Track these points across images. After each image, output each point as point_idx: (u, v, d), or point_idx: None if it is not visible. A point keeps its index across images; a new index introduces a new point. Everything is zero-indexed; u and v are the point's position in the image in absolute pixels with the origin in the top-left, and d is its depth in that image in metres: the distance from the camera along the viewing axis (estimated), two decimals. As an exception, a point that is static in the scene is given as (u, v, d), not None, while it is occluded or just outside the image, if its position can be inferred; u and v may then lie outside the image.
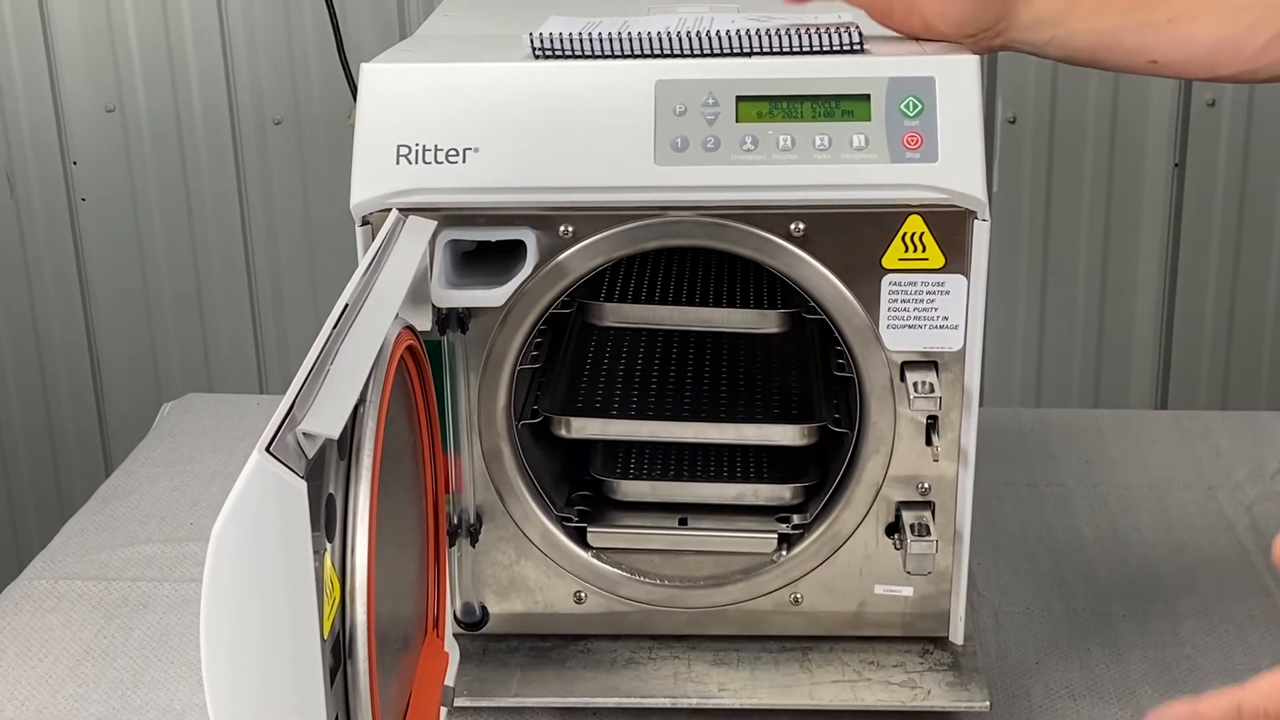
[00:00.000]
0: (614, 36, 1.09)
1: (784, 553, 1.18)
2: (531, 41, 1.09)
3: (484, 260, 1.12)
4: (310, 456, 0.76)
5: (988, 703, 1.14)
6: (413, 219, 1.06)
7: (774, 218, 1.08)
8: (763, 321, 1.21)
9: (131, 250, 2.28)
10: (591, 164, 1.07)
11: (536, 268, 1.09)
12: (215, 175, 2.23)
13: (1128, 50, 1.13)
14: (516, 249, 1.10)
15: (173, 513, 1.53)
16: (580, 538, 1.19)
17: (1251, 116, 2.12)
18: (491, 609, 1.20)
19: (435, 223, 1.07)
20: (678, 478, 1.25)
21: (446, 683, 1.10)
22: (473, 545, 1.18)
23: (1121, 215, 2.17)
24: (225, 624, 0.72)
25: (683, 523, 1.22)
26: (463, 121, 1.07)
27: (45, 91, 2.20)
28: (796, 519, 1.20)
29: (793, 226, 1.08)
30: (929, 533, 1.13)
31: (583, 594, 1.19)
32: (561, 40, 1.09)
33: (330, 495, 0.83)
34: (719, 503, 1.23)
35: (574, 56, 1.09)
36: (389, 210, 1.06)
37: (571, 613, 1.20)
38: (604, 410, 1.25)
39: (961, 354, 1.10)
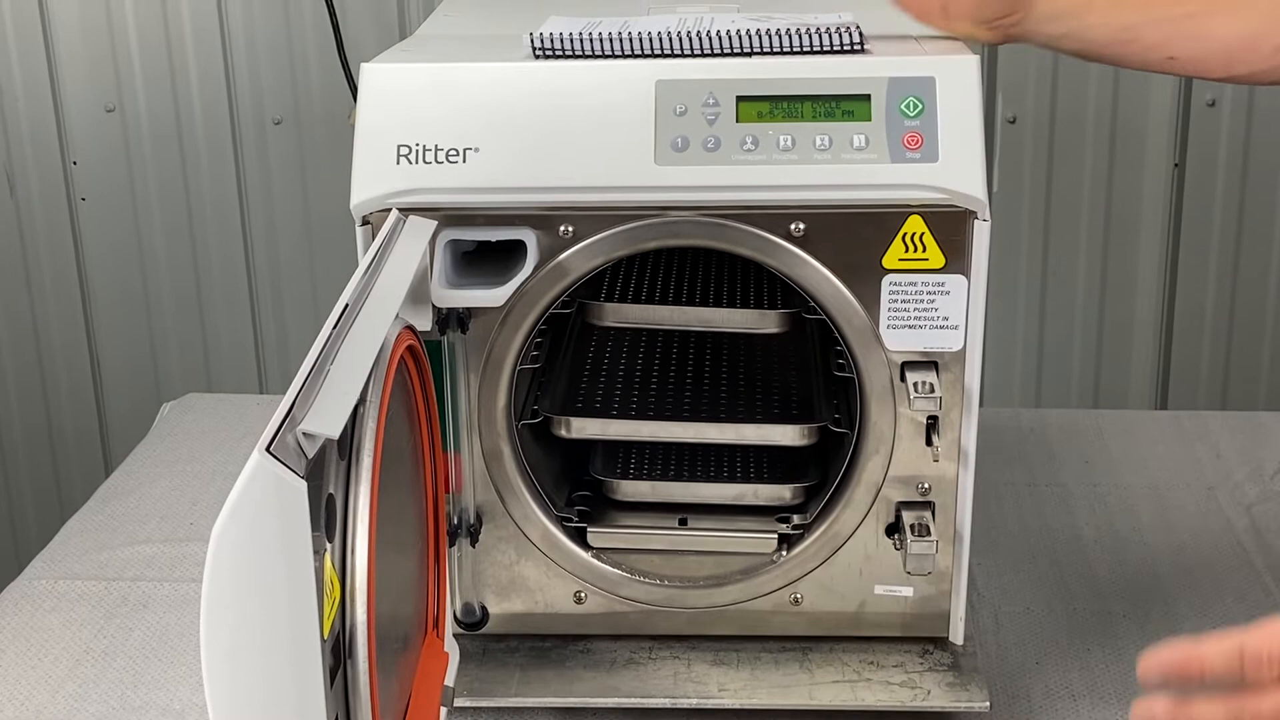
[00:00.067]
0: (614, 36, 1.09)
1: (784, 553, 1.18)
2: (531, 41, 1.09)
3: (484, 260, 1.12)
4: (310, 456, 0.76)
5: (988, 703, 1.14)
6: (413, 219, 1.06)
7: (774, 218, 1.08)
8: (763, 321, 1.21)
9: (131, 250, 2.27)
10: (591, 164, 1.07)
11: (536, 268, 1.09)
12: (215, 175, 2.23)
13: (1146, 45, 1.12)
14: (516, 249, 1.10)
15: (172, 513, 1.53)
16: (580, 538, 1.19)
17: (1251, 116, 2.11)
18: (491, 609, 1.20)
19: (435, 223, 1.07)
20: (678, 478, 1.25)
21: (446, 683, 1.10)
22: (473, 545, 1.18)
23: (1121, 215, 2.17)
24: (225, 624, 0.72)
25: (683, 523, 1.22)
26: (463, 121, 1.07)
27: (45, 91, 2.20)
28: (796, 519, 1.20)
29: (793, 226, 1.08)
30: (929, 533, 1.13)
31: (583, 594, 1.19)
32: (561, 40, 1.09)
33: (330, 495, 0.83)
34: (719, 503, 1.23)
35: (574, 56, 1.09)
36: (389, 210, 1.06)
37: (571, 613, 1.20)
38: (604, 410, 1.25)
39: (962, 354, 1.10)
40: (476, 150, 1.07)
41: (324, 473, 0.82)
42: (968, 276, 1.08)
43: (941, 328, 1.09)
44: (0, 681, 1.25)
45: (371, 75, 1.08)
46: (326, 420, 0.77)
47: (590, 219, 1.08)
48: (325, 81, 2.17)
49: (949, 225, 1.07)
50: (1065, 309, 2.23)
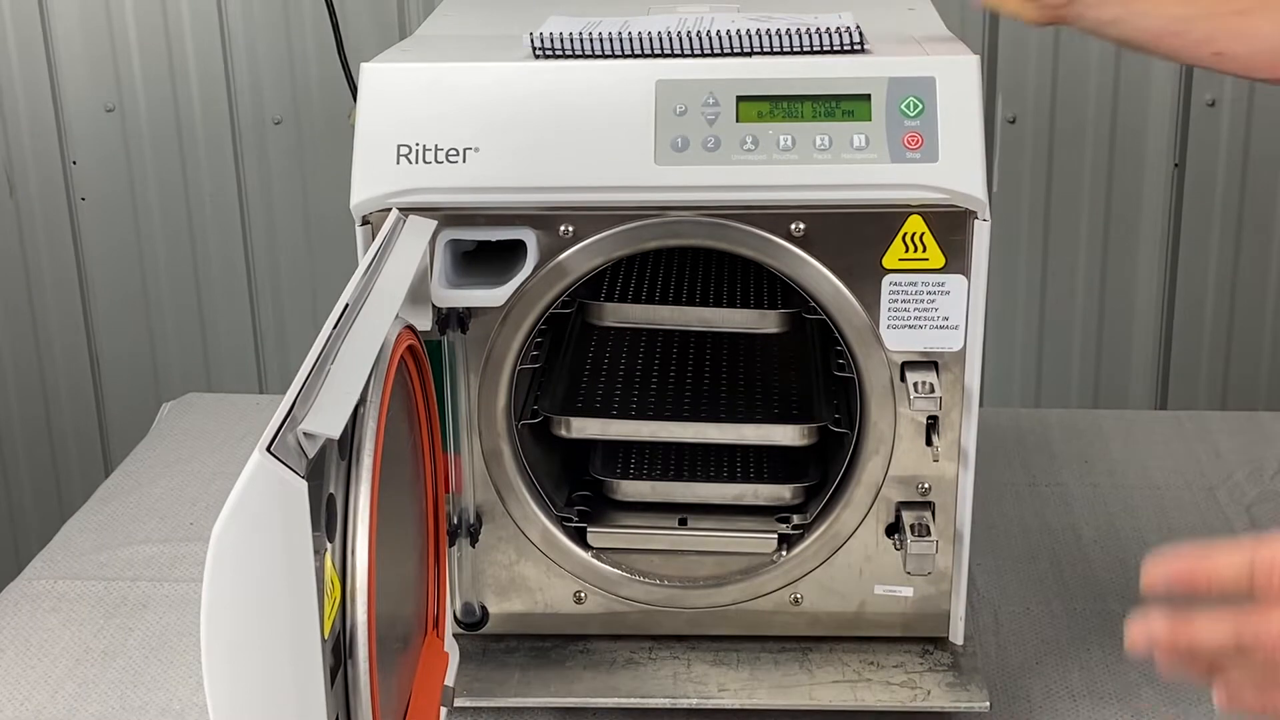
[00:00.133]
0: (614, 36, 1.09)
1: (784, 553, 1.18)
2: (532, 41, 1.09)
3: (484, 260, 1.12)
4: (311, 456, 0.76)
5: (988, 703, 1.14)
6: (413, 219, 1.06)
7: (774, 218, 1.08)
8: (763, 321, 1.21)
9: (131, 250, 2.27)
10: (592, 164, 1.07)
11: (536, 268, 1.09)
12: (215, 175, 2.23)
13: (1194, 40, 1.12)
14: (516, 249, 1.10)
15: (172, 513, 1.53)
16: (580, 538, 1.19)
17: (1251, 116, 2.11)
18: (491, 609, 1.20)
19: (435, 222, 1.07)
20: (678, 478, 1.25)
21: (446, 683, 1.10)
22: (473, 545, 1.18)
23: (1121, 215, 2.17)
24: (225, 624, 0.72)
25: (683, 523, 1.22)
26: (463, 121, 1.07)
27: (45, 91, 2.20)
28: (796, 519, 1.20)
29: (793, 226, 1.08)
30: (929, 533, 1.13)
31: (583, 594, 1.19)
32: (561, 40, 1.09)
33: (330, 495, 0.83)
34: (719, 503, 1.23)
35: (574, 56, 1.09)
36: (389, 210, 1.06)
37: (571, 613, 1.20)
38: (604, 410, 1.25)
39: (962, 354, 1.10)
40: (476, 150, 1.07)
41: (324, 473, 0.82)
42: (968, 276, 1.08)
43: (941, 328, 1.09)
44: (0, 681, 1.25)
45: (371, 75, 1.08)
46: (327, 420, 0.77)
47: (590, 219, 1.08)
48: (325, 81, 2.17)
49: (949, 225, 1.07)
50: (1065, 309, 2.23)
